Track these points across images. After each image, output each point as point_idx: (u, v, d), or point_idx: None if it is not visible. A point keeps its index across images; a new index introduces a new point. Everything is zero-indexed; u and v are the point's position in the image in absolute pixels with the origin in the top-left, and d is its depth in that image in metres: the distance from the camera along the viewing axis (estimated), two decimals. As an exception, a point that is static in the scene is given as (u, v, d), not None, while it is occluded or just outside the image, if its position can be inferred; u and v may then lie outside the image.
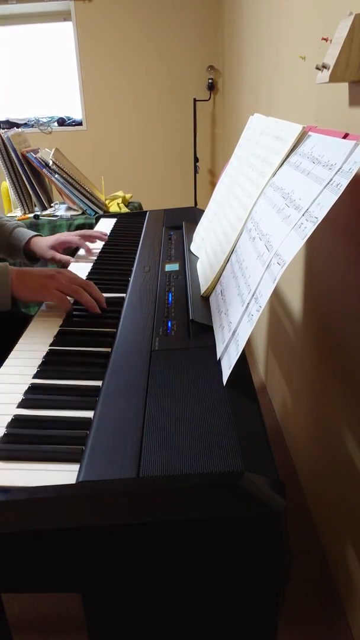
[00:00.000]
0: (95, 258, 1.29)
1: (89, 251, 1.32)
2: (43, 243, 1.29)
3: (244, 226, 0.88)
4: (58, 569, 0.49)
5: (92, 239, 1.37)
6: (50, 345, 0.81)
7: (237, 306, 0.71)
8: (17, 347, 0.82)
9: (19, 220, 2.18)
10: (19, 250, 1.28)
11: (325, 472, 1.29)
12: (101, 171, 2.66)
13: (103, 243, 1.39)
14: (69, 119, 3.67)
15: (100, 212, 2.15)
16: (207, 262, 0.99)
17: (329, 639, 1.11)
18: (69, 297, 0.93)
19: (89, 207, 2.15)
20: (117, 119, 3.61)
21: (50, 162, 2.09)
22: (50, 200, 2.34)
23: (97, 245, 1.38)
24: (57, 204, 2.37)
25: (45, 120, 3.66)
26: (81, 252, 1.34)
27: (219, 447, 0.53)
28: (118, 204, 2.26)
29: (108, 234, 1.47)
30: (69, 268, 1.25)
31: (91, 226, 1.98)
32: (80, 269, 1.19)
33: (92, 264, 1.24)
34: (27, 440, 0.58)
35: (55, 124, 3.65)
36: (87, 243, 1.34)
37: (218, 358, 0.70)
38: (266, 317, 2.01)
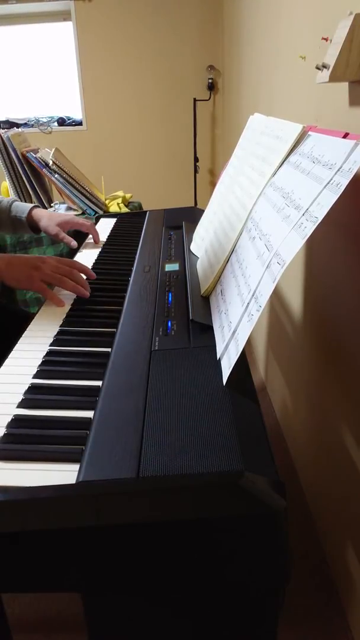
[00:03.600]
0: (99, 249, 1.34)
1: (97, 241, 1.38)
2: (48, 217, 1.33)
3: (244, 226, 0.88)
4: (58, 569, 0.49)
5: (94, 234, 1.40)
6: (50, 345, 0.81)
7: (237, 306, 0.71)
8: (17, 347, 0.82)
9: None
10: (22, 223, 1.33)
11: (325, 472, 1.29)
12: (101, 171, 2.66)
13: (103, 243, 1.40)
14: (69, 119, 3.66)
15: (100, 212, 2.15)
16: (207, 262, 0.99)
17: (329, 639, 1.11)
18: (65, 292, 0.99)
19: (89, 207, 2.15)
20: (117, 119, 3.61)
21: (50, 162, 2.09)
22: (50, 200, 2.34)
23: (96, 248, 1.38)
24: (57, 203, 2.37)
25: (45, 120, 3.66)
26: (88, 239, 1.40)
27: (219, 447, 0.53)
28: (118, 204, 2.26)
29: (107, 234, 1.48)
30: (77, 256, 1.31)
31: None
32: (87, 256, 1.28)
33: (94, 259, 1.25)
34: (27, 440, 0.58)
35: (55, 124, 3.65)
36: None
37: (218, 358, 0.70)
38: (266, 317, 2.01)
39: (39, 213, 1.34)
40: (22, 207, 1.33)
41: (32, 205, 1.35)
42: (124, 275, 1.10)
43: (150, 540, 0.47)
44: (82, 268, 1.04)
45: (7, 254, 1.00)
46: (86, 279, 1.02)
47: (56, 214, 1.35)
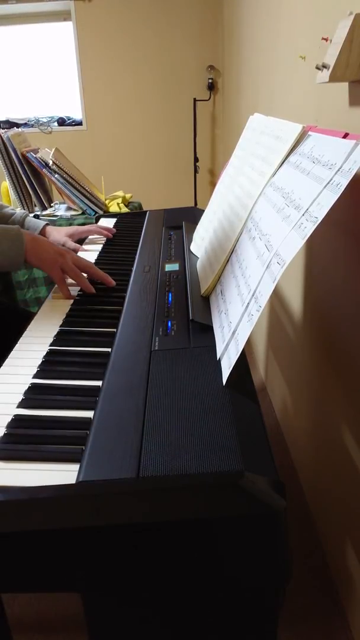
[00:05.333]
0: (99, 249, 1.35)
1: (108, 235, 1.44)
2: (57, 231, 1.38)
3: (244, 226, 0.88)
4: (58, 569, 0.49)
5: (103, 232, 1.45)
6: (50, 345, 0.81)
7: (237, 306, 0.71)
8: (17, 346, 0.82)
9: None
10: None
11: (325, 472, 1.29)
12: (101, 171, 2.66)
13: (103, 243, 1.40)
14: (69, 119, 3.67)
15: (100, 212, 2.15)
16: (207, 262, 0.99)
17: (329, 639, 1.11)
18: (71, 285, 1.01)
19: (89, 207, 2.15)
20: (117, 119, 3.62)
21: (50, 162, 2.09)
22: (50, 200, 2.34)
23: (96, 248, 1.38)
24: (57, 203, 2.37)
25: (45, 120, 3.66)
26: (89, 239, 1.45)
27: (219, 447, 0.53)
28: (118, 204, 2.26)
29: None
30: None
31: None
32: (87, 255, 1.29)
33: (94, 259, 1.26)
34: (27, 440, 0.58)
35: (55, 124, 3.65)
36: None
37: (218, 358, 0.70)
38: (266, 317, 2.01)
39: (49, 230, 1.37)
40: (34, 223, 1.36)
41: (45, 222, 1.38)
42: (124, 275, 1.10)
43: (150, 540, 0.47)
44: (99, 273, 1.05)
45: (30, 233, 1.02)
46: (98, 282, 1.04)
47: (63, 227, 1.41)
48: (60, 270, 0.99)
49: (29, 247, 0.98)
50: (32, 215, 2.21)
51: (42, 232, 1.35)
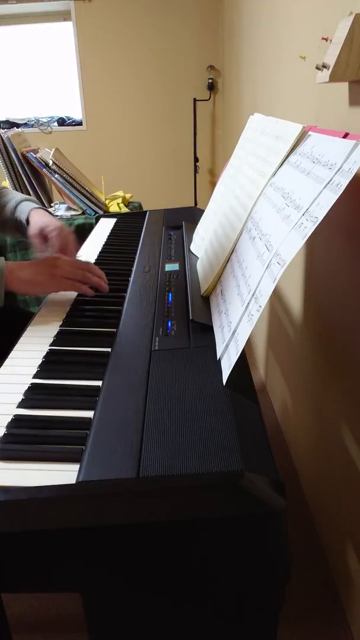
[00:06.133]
0: (99, 249, 1.31)
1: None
2: (41, 215, 1.16)
3: (244, 226, 0.88)
4: (58, 569, 0.49)
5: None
6: (50, 345, 0.81)
7: (237, 306, 0.71)
8: (17, 346, 0.82)
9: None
10: (23, 228, 1.17)
11: (325, 472, 1.29)
12: (101, 171, 2.66)
13: (103, 243, 1.40)
14: (69, 119, 3.67)
15: (100, 212, 2.15)
16: (207, 262, 0.99)
17: (329, 639, 1.11)
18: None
19: (89, 207, 2.15)
20: (117, 119, 3.61)
21: (50, 162, 2.09)
22: (50, 200, 2.34)
23: (96, 249, 1.38)
24: (57, 204, 2.37)
25: (45, 120, 3.66)
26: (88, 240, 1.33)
27: (219, 447, 0.53)
28: (118, 204, 2.26)
29: (107, 234, 1.48)
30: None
31: (91, 226, 1.99)
32: (87, 255, 1.14)
33: (94, 259, 1.25)
34: (27, 440, 0.58)
35: (55, 124, 3.65)
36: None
37: (218, 358, 0.70)
38: (266, 317, 2.01)
39: (33, 215, 1.16)
40: (21, 212, 1.17)
41: (31, 207, 1.17)
42: (124, 275, 1.10)
43: (150, 540, 0.47)
44: (98, 271, 1.00)
45: (10, 262, 0.92)
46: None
47: (47, 218, 1.16)
48: (66, 280, 0.93)
49: (15, 280, 0.89)
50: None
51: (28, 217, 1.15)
